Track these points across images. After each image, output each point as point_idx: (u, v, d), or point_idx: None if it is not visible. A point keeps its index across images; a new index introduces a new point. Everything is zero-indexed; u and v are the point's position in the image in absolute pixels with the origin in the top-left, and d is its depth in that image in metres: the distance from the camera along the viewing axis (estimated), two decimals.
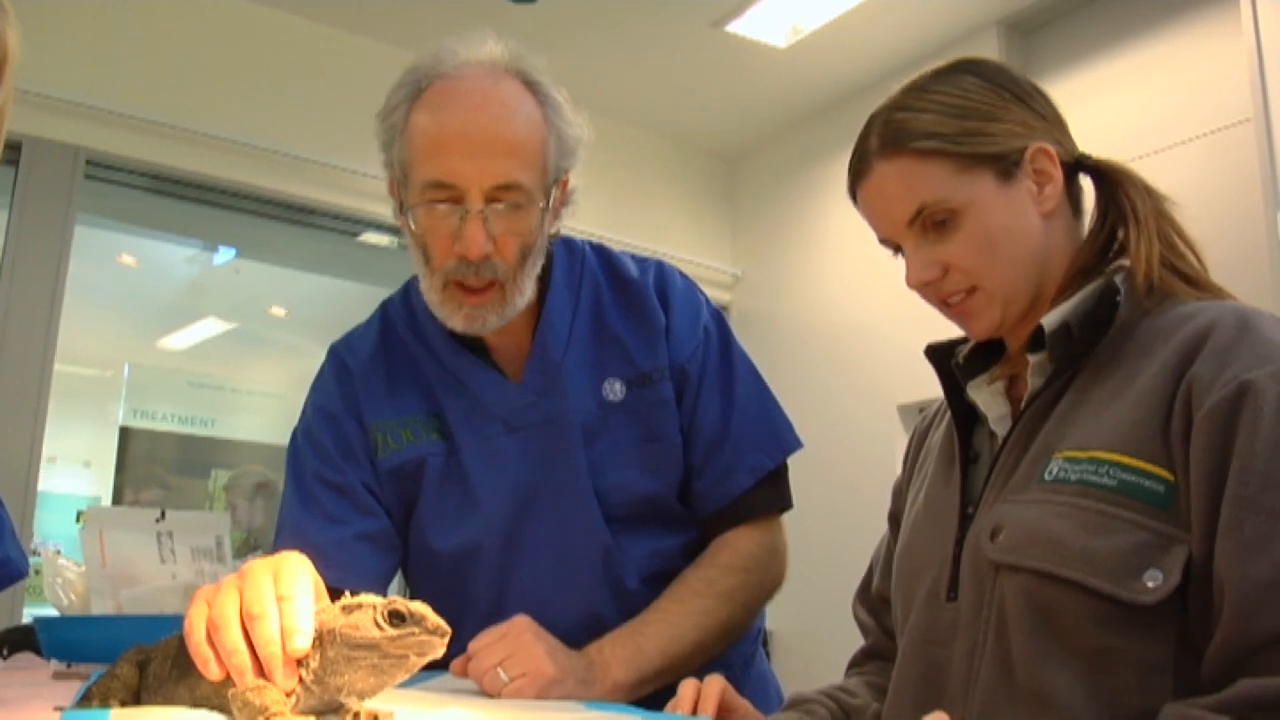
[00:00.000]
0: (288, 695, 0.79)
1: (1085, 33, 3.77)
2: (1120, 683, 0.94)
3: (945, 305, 1.16)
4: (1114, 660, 0.94)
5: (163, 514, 1.48)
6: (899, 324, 4.18)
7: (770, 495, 1.43)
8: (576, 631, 1.31)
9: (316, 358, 1.51)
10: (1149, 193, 1.12)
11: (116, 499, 4.97)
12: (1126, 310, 1.05)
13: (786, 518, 1.47)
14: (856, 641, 1.35)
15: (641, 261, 1.50)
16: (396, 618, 0.79)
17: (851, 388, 4.34)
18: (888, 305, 4.22)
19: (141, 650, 0.90)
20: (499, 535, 1.38)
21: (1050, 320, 1.08)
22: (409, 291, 1.49)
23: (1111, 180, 1.13)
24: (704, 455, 1.41)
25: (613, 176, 4.75)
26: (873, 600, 1.33)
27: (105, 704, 0.84)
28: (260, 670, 0.80)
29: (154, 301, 5.71)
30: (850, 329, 4.43)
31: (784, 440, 1.45)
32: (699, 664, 1.31)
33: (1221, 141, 3.26)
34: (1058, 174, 1.12)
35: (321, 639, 0.80)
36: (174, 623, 1.39)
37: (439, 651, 0.80)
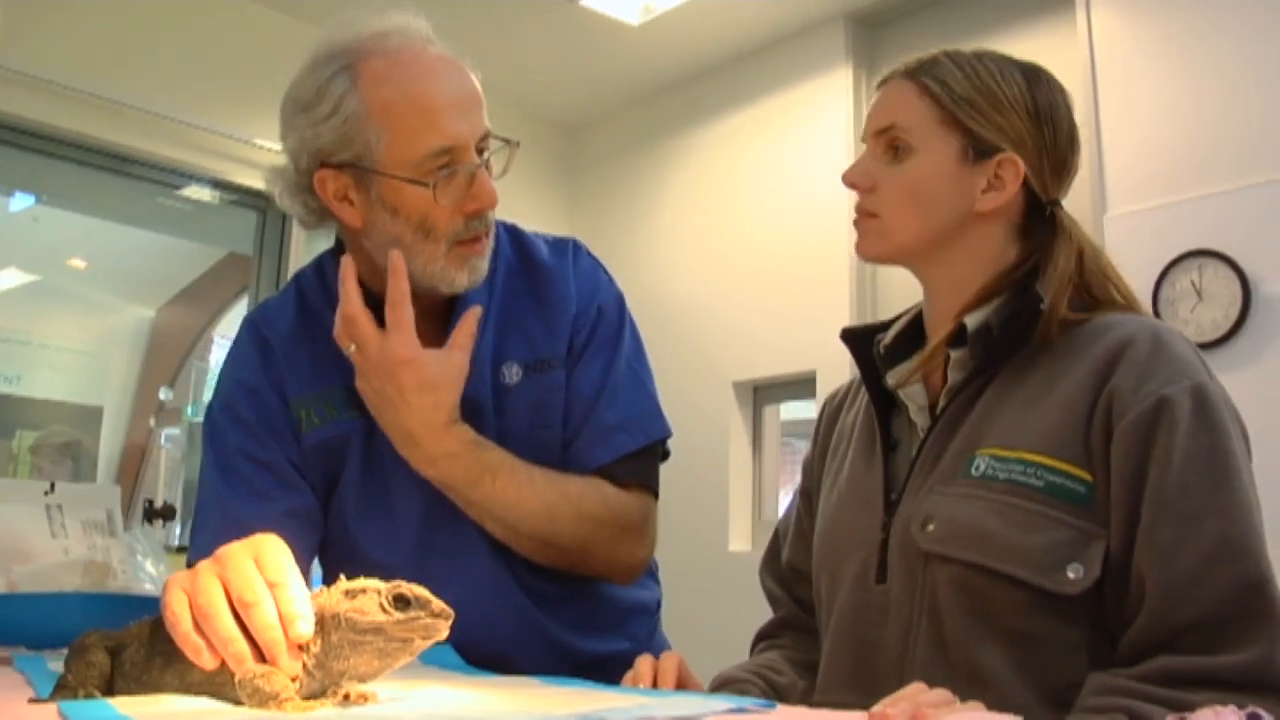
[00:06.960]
0: (292, 680, 0.78)
1: (929, 31, 3.90)
2: (1043, 660, 1.05)
3: (856, 214, 1.26)
4: (1038, 641, 1.05)
5: (52, 486, 1.42)
6: (733, 302, 4.27)
7: (630, 467, 1.40)
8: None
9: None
10: (1081, 252, 1.18)
11: None
12: (1047, 318, 1.14)
13: None
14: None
15: (555, 243, 1.49)
16: (401, 602, 0.80)
17: (686, 364, 4.34)
18: (722, 284, 4.29)
19: (109, 636, 0.87)
20: (414, 527, 1.36)
21: (973, 320, 1.17)
22: (323, 266, 1.45)
23: (1053, 227, 1.20)
24: (572, 427, 1.40)
25: None
26: (782, 570, 1.40)
27: (89, 693, 0.81)
28: (259, 656, 0.79)
29: None
30: (685, 305, 4.46)
31: (649, 425, 1.43)
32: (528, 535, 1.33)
33: None
34: (1011, 189, 1.18)
35: (324, 623, 0.80)
36: (73, 600, 1.34)
37: (443, 634, 0.81)
